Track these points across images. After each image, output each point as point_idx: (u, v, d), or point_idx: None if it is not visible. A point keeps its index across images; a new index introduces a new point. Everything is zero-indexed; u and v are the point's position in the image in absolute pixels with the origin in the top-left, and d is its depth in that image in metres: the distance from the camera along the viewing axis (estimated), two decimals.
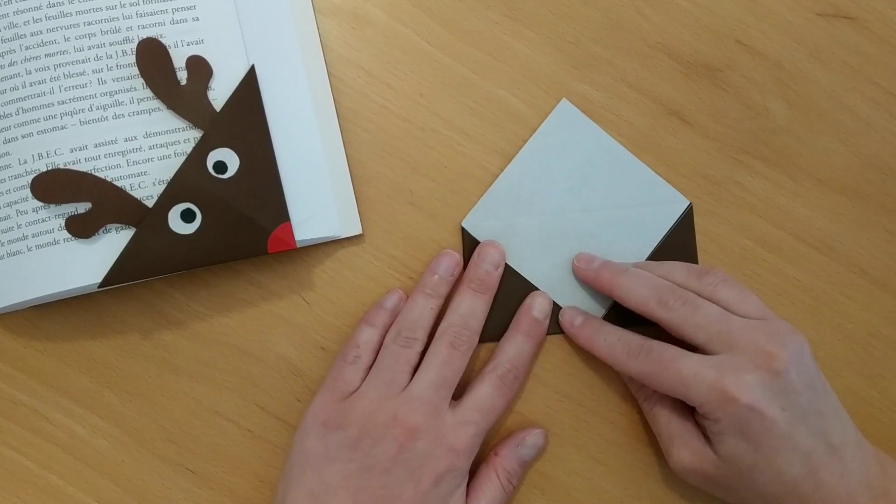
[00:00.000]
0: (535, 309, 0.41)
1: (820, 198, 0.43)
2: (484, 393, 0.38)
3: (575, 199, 0.42)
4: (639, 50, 0.43)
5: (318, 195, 0.40)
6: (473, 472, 0.38)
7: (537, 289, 0.41)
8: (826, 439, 0.35)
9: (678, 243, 0.42)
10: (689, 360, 0.36)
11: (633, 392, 0.41)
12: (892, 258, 0.43)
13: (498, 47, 0.43)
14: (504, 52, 0.43)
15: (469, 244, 0.41)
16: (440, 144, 0.42)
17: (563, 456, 0.41)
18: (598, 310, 0.41)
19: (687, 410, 0.38)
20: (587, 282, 0.41)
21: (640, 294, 0.38)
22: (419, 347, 0.38)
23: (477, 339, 0.39)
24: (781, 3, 0.44)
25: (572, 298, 0.41)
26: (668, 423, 0.38)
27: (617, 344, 0.39)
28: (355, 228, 0.41)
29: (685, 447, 0.37)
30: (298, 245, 0.39)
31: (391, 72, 0.42)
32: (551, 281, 0.42)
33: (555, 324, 0.41)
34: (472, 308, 0.39)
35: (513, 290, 0.41)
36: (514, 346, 0.40)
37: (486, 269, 0.40)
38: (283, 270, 0.41)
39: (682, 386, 0.36)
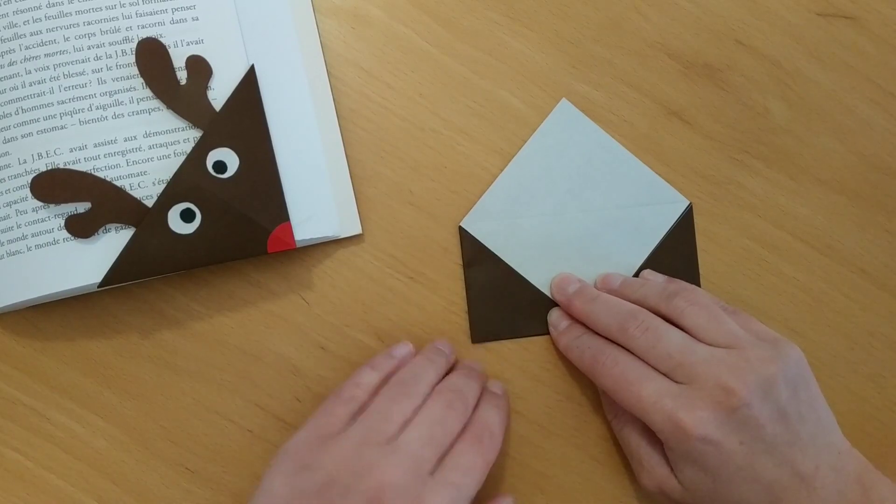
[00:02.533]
0: (495, 387, 0.40)
1: (820, 198, 0.43)
2: (462, 451, 0.35)
3: (575, 199, 0.42)
4: (639, 50, 0.43)
5: (317, 195, 0.40)
6: None
7: (537, 288, 0.41)
8: (794, 468, 0.34)
9: (678, 243, 0.42)
10: (651, 385, 0.36)
11: (605, 409, 0.41)
12: (892, 258, 0.43)
13: (498, 47, 0.43)
14: (504, 52, 0.43)
15: (468, 244, 0.41)
16: (440, 144, 0.42)
17: (563, 456, 0.41)
18: None
19: (654, 435, 0.37)
20: (562, 307, 0.41)
21: (605, 321, 0.38)
22: (417, 402, 0.36)
23: (470, 413, 0.37)
24: (781, 3, 0.44)
25: None
26: (637, 447, 0.38)
27: (587, 352, 0.39)
28: (355, 228, 0.41)
29: (651, 474, 0.37)
30: (298, 245, 0.39)
31: (391, 72, 0.42)
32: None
33: (545, 325, 0.42)
34: (469, 383, 0.38)
35: (513, 290, 0.41)
36: (485, 411, 0.37)
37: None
38: (283, 270, 0.41)
39: (640, 410, 0.36)
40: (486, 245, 0.41)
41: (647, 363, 0.37)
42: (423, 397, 0.36)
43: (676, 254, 0.42)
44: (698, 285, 0.42)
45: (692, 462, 0.35)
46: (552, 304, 0.42)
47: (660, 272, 0.42)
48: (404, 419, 0.35)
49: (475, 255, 0.41)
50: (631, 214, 0.42)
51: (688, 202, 0.42)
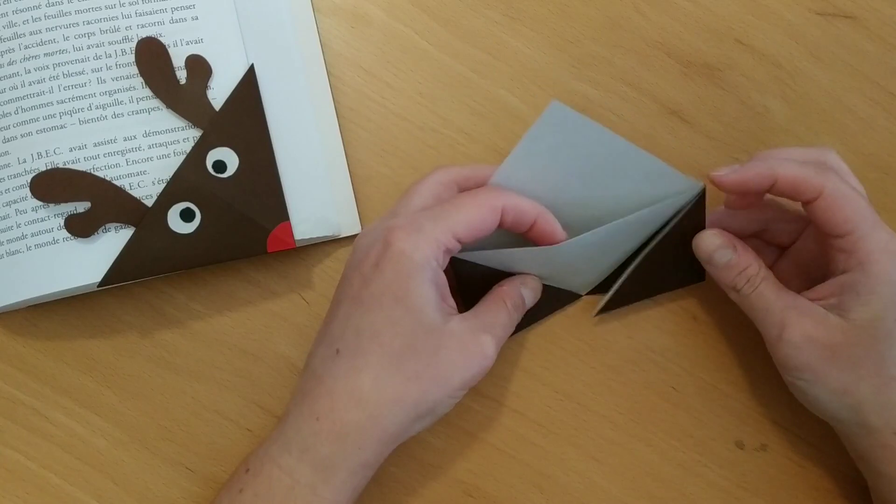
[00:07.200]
0: None
1: None
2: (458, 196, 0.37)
3: (576, 194, 0.41)
4: (638, 49, 0.43)
5: (317, 195, 0.40)
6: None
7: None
8: None
9: (690, 226, 0.40)
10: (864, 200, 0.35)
11: (729, 281, 0.38)
12: None
13: (498, 47, 0.43)
14: (504, 51, 0.43)
15: (466, 249, 0.41)
16: (440, 144, 0.42)
17: (562, 455, 0.41)
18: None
19: (788, 291, 0.36)
20: (735, 186, 0.37)
21: (792, 165, 0.36)
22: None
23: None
24: (781, 2, 0.44)
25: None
26: (778, 299, 0.36)
27: (798, 167, 0.35)
28: (355, 228, 0.41)
29: (804, 317, 0.35)
30: (298, 244, 0.39)
31: (391, 71, 0.42)
32: (560, 278, 0.41)
33: (562, 301, 0.41)
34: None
35: None
36: None
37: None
38: (283, 270, 0.41)
39: (856, 218, 0.34)
40: (486, 245, 0.41)
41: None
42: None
43: (688, 240, 0.40)
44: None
45: (891, 290, 0.33)
46: None
47: (670, 260, 0.40)
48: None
49: (474, 256, 0.41)
50: (639, 203, 0.40)
51: (701, 184, 0.39)
